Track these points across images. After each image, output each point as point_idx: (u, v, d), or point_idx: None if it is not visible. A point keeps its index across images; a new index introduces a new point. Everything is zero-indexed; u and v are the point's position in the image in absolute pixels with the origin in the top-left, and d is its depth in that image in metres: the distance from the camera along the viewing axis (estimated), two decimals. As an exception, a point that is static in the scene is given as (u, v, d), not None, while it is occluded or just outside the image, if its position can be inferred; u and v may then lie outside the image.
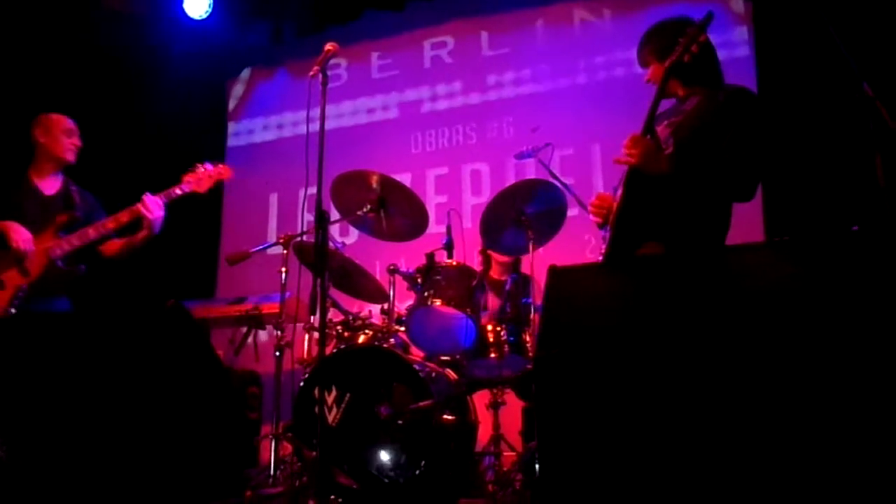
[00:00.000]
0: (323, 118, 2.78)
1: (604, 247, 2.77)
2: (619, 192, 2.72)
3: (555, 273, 1.59)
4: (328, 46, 2.88)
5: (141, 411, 1.73)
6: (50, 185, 3.60)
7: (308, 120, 2.80)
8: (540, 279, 4.06)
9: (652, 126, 2.66)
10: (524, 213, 3.57)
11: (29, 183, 3.55)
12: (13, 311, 3.29)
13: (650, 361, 1.44)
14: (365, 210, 3.65)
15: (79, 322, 1.85)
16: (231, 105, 6.36)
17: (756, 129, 2.66)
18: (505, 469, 3.52)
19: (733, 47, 4.98)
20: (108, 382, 1.74)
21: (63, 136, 3.60)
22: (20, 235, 3.34)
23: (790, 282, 1.45)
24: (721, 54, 4.92)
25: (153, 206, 3.41)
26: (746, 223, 3.93)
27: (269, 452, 3.51)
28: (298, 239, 3.81)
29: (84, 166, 3.88)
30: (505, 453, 3.65)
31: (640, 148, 2.59)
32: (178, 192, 3.54)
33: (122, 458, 1.83)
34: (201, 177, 3.61)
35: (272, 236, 5.87)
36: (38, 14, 5.22)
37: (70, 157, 3.62)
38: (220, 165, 3.72)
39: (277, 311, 3.97)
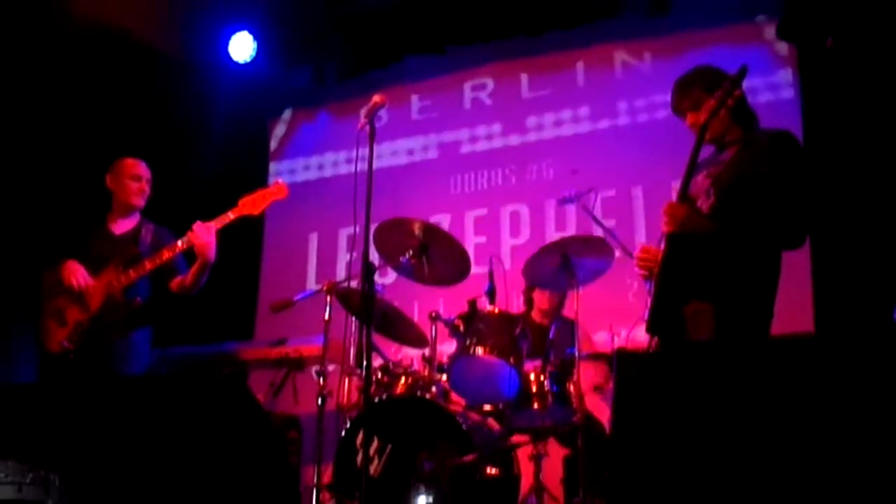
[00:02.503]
0: (370, 170, 2.79)
1: (648, 301, 2.73)
2: (663, 245, 2.70)
3: (623, 359, 1.57)
4: (376, 98, 2.90)
5: (194, 475, 1.72)
6: (121, 226, 3.74)
7: (357, 160, 2.81)
8: (584, 323, 4.04)
9: (687, 191, 2.65)
10: (570, 262, 3.53)
11: (103, 226, 3.72)
12: (67, 344, 3.41)
13: (712, 456, 1.41)
14: (407, 256, 3.65)
15: (138, 384, 1.86)
16: (273, 145, 6.43)
17: (800, 171, 2.65)
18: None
19: (777, 90, 4.93)
20: (164, 444, 1.74)
21: (129, 182, 3.72)
22: (73, 272, 3.46)
23: (840, 379, 1.41)
24: (765, 97, 4.96)
25: (201, 232, 3.46)
26: (794, 275, 3.84)
27: (311, 501, 3.48)
28: (342, 284, 3.82)
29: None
30: (547, 506, 3.58)
31: (677, 216, 2.60)
32: (232, 216, 3.56)
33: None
34: (256, 198, 3.62)
35: (311, 276, 5.89)
36: (86, 58, 5.37)
37: (136, 201, 3.73)
38: (277, 183, 3.72)
39: (318, 353, 3.97)
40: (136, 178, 3.73)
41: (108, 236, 3.69)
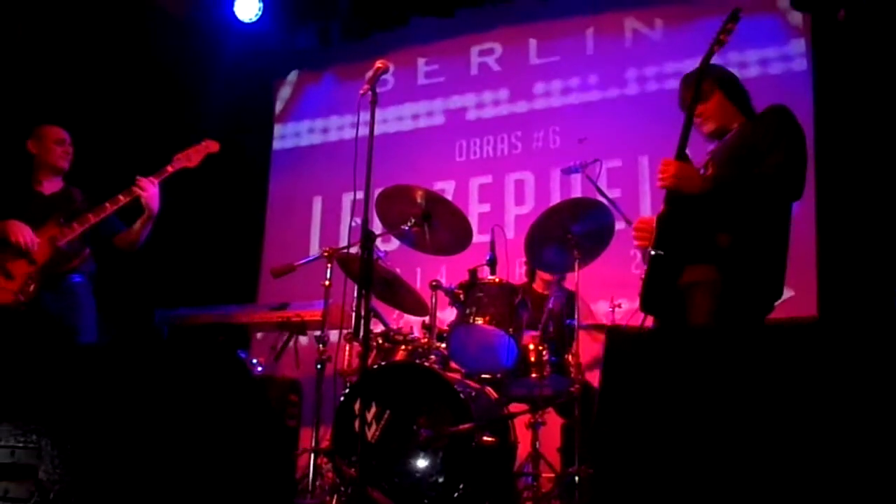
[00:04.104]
0: (371, 137, 2.75)
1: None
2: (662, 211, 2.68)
3: (614, 336, 1.55)
4: (379, 64, 2.86)
5: (187, 443, 1.73)
6: (49, 187, 3.80)
7: (358, 126, 2.78)
8: (585, 295, 4.03)
9: (684, 147, 2.65)
10: (570, 231, 3.52)
11: (30, 189, 3.77)
12: (21, 297, 3.47)
13: (700, 444, 1.40)
14: (409, 224, 3.64)
15: (133, 351, 1.87)
16: (278, 107, 6.39)
17: (795, 131, 2.65)
18: (543, 491, 3.48)
19: (790, 60, 4.84)
20: (157, 412, 1.75)
21: (54, 146, 3.78)
22: (19, 229, 3.51)
23: (842, 367, 1.39)
24: (777, 68, 4.88)
25: (146, 185, 3.58)
26: (799, 258, 3.80)
27: (308, 463, 3.51)
28: (343, 251, 3.82)
29: (132, 164, 3.95)
30: (544, 475, 3.61)
31: (672, 170, 2.57)
32: (170, 169, 3.72)
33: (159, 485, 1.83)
34: (190, 153, 3.78)
35: (315, 240, 5.89)
36: (90, 16, 5.30)
37: (63, 163, 3.80)
38: (207, 140, 3.87)
39: (320, 318, 3.99)
40: (60, 142, 3.79)
41: (38, 197, 3.74)
